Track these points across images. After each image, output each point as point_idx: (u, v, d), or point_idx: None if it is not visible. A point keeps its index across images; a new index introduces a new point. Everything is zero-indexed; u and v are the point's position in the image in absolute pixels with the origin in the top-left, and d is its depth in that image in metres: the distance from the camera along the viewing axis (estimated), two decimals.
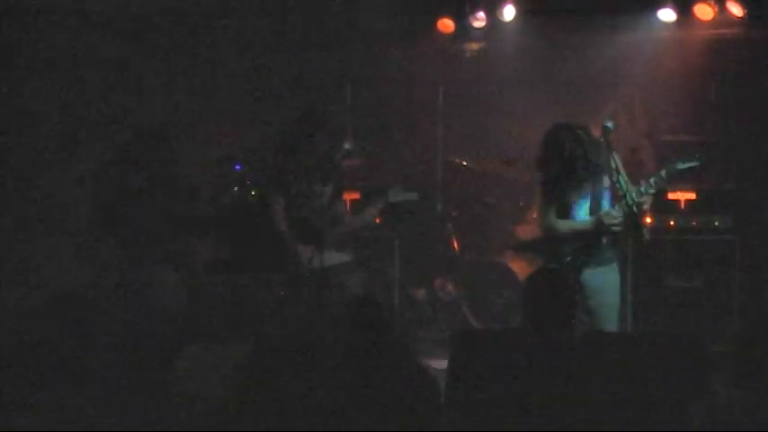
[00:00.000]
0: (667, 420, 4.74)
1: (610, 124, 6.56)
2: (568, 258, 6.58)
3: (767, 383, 4.31)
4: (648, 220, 8.27)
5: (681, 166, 6.55)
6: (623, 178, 6.41)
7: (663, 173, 6.53)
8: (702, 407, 4.40)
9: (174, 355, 5.69)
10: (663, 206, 8.31)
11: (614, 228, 6.50)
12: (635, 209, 6.39)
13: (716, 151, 9.14)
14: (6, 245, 8.86)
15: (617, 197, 6.56)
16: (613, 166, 6.55)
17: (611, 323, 6.58)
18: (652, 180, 6.51)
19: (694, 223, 8.34)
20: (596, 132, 9.09)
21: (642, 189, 6.47)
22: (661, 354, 5.09)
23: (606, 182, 6.63)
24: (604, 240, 6.56)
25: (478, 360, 5.10)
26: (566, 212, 6.64)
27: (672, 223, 8.36)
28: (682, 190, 8.39)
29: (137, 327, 6.71)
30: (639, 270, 8.02)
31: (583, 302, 6.63)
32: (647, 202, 6.53)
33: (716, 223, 8.30)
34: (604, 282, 6.63)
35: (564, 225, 6.62)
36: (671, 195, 8.39)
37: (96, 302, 5.39)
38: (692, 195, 8.38)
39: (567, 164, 6.58)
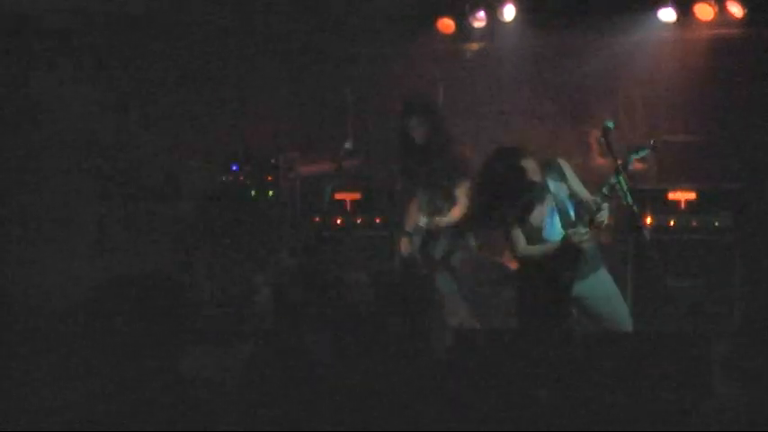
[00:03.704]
0: (667, 420, 4.74)
1: (610, 124, 6.53)
2: (563, 274, 6.54)
3: (766, 381, 4.31)
4: (649, 220, 8.28)
5: (634, 156, 6.45)
6: (622, 179, 6.36)
7: (620, 168, 6.37)
8: (702, 407, 4.40)
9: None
10: (663, 206, 8.32)
11: (583, 243, 6.42)
12: (634, 208, 6.36)
13: (716, 151, 9.15)
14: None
15: (580, 207, 6.51)
16: (567, 175, 6.54)
17: (623, 324, 6.56)
18: (613, 180, 6.36)
19: (694, 223, 8.33)
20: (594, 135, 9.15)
21: (604, 190, 6.33)
22: (661, 354, 5.09)
23: (563, 194, 6.56)
24: (585, 249, 6.50)
25: (478, 360, 5.10)
26: (538, 236, 6.58)
27: (672, 223, 8.35)
28: (682, 190, 8.39)
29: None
30: (639, 270, 8.04)
31: (585, 313, 6.63)
32: (607, 206, 6.40)
33: (716, 223, 8.29)
34: (597, 288, 6.60)
35: (535, 250, 6.58)
36: (671, 195, 8.39)
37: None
38: (692, 195, 8.38)
39: (503, 191, 6.49)
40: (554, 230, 6.54)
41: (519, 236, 6.56)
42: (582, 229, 6.35)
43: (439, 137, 7.55)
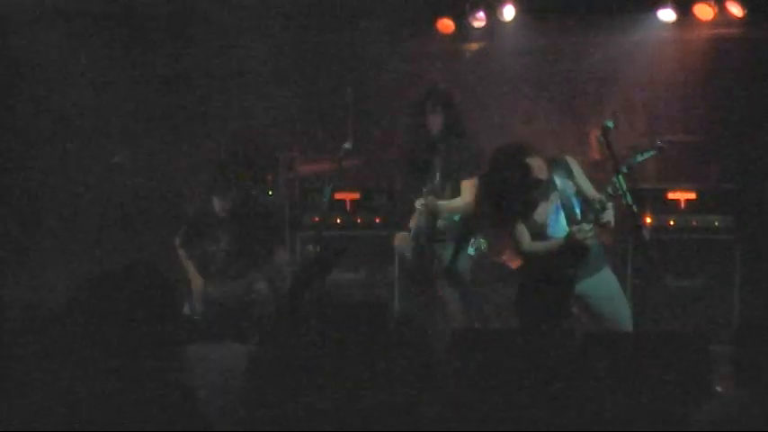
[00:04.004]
0: (667, 420, 4.74)
1: (610, 124, 6.54)
2: (563, 274, 6.54)
3: (767, 383, 4.31)
4: (648, 220, 8.28)
5: (640, 158, 6.47)
6: (622, 178, 6.38)
7: (624, 168, 6.39)
8: (703, 407, 4.40)
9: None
10: (663, 206, 8.32)
11: (587, 240, 6.42)
12: (634, 208, 6.35)
13: (716, 151, 9.15)
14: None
15: (587, 205, 6.52)
16: (575, 172, 6.55)
17: (623, 325, 6.56)
18: (615, 180, 6.36)
19: (694, 223, 8.33)
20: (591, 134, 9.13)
21: (609, 189, 6.34)
22: (661, 354, 5.09)
23: (569, 192, 6.57)
24: (589, 247, 6.50)
25: (478, 360, 5.10)
26: (542, 233, 6.59)
27: (672, 223, 8.36)
28: (682, 190, 8.39)
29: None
30: (639, 270, 8.04)
31: (586, 312, 6.63)
32: (612, 203, 6.42)
33: (716, 223, 8.30)
34: (600, 288, 6.60)
35: (540, 247, 6.58)
36: (671, 195, 8.39)
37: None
38: (692, 195, 8.38)
39: (508, 187, 6.51)
40: (559, 227, 6.54)
41: (524, 232, 6.57)
42: (586, 226, 6.36)
43: (457, 128, 7.45)
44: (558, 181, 6.55)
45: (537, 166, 6.47)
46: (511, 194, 6.49)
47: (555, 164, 6.59)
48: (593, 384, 4.80)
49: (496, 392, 4.79)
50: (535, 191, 6.49)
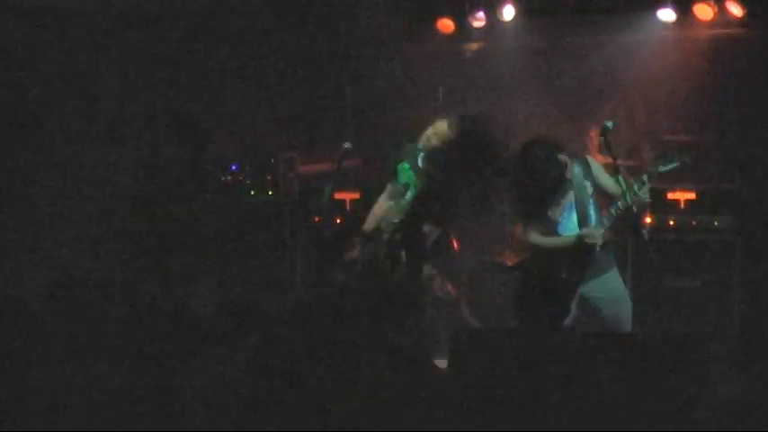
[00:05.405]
0: (667, 420, 4.74)
1: (610, 124, 6.55)
2: (563, 275, 6.55)
3: (767, 382, 4.31)
4: (648, 220, 8.28)
5: (662, 168, 6.50)
6: (621, 179, 6.41)
7: (645, 177, 6.45)
8: (703, 406, 4.40)
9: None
10: (663, 206, 8.32)
11: (595, 246, 6.46)
12: (634, 209, 6.38)
13: (716, 151, 9.15)
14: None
15: (603, 206, 6.55)
16: (594, 172, 6.57)
17: (623, 330, 6.57)
18: (636, 185, 6.41)
19: (694, 223, 8.33)
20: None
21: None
22: (661, 354, 5.09)
23: (586, 191, 6.58)
24: (598, 249, 6.52)
25: (478, 360, 5.10)
26: (551, 229, 6.60)
27: (672, 223, 8.36)
28: (682, 190, 8.39)
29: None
30: (639, 270, 8.04)
31: (588, 313, 6.64)
32: (643, 202, 6.48)
33: (716, 223, 8.30)
34: (608, 290, 6.61)
35: (546, 242, 6.61)
36: (671, 195, 8.39)
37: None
38: (692, 195, 8.38)
39: (542, 182, 6.53)
40: (569, 226, 6.57)
41: (536, 225, 6.61)
42: (597, 232, 6.41)
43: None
44: (575, 180, 6.57)
45: (566, 162, 6.53)
46: (542, 189, 6.52)
47: (573, 163, 6.63)
48: (594, 384, 4.80)
49: (497, 392, 4.79)
50: (561, 186, 6.54)
